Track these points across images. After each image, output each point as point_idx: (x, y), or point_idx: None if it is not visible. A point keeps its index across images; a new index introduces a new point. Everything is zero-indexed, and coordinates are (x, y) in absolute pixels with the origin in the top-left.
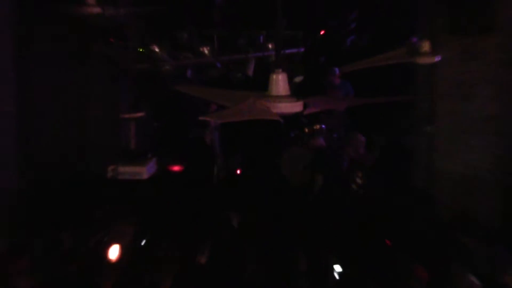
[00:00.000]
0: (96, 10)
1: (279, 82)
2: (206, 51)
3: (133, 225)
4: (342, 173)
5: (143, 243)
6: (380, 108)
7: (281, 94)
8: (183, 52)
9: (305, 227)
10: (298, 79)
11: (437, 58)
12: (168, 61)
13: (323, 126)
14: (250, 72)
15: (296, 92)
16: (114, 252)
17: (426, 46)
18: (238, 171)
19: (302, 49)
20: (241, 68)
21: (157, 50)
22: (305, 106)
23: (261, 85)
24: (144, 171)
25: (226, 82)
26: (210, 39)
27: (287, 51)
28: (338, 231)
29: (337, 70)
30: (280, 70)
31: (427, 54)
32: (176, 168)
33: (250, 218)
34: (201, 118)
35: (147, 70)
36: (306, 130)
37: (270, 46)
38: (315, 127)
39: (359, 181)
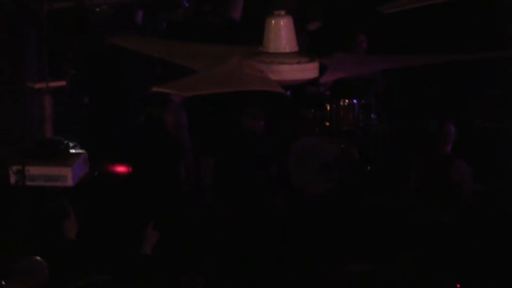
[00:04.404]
0: None
1: (281, 31)
2: None
3: (46, 266)
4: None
5: None
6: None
7: (284, 51)
8: None
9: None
10: (313, 26)
11: None
12: None
13: (355, 101)
14: (236, 14)
15: (309, 47)
16: None
17: None
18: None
19: None
20: (222, 8)
21: None
22: (323, 70)
23: (253, 35)
24: (70, 174)
25: (197, 31)
26: None
27: None
28: None
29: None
30: (283, 11)
31: None
32: (119, 168)
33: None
34: (156, 89)
35: (70, 12)
36: (328, 107)
37: None
38: (342, 103)
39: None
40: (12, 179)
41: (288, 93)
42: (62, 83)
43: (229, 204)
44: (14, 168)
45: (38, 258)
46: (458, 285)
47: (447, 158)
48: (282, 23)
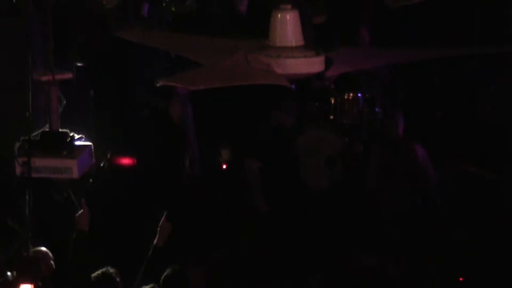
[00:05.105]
0: None
1: (287, 25)
2: None
3: (51, 257)
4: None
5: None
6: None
7: (290, 45)
8: None
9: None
10: (318, 19)
11: None
12: None
13: (360, 94)
14: (242, 7)
15: (315, 41)
16: None
17: None
18: (224, 166)
19: None
20: (228, 1)
21: None
22: (329, 64)
23: (259, 28)
24: (75, 166)
25: (203, 24)
26: None
27: None
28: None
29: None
30: (289, 5)
31: None
32: (125, 160)
33: (242, 249)
34: (162, 82)
35: (76, 4)
36: (333, 101)
37: None
38: (346, 97)
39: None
40: (18, 170)
41: (293, 87)
42: (69, 75)
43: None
44: (20, 160)
45: (44, 249)
46: (460, 278)
47: (403, 143)
48: (288, 17)
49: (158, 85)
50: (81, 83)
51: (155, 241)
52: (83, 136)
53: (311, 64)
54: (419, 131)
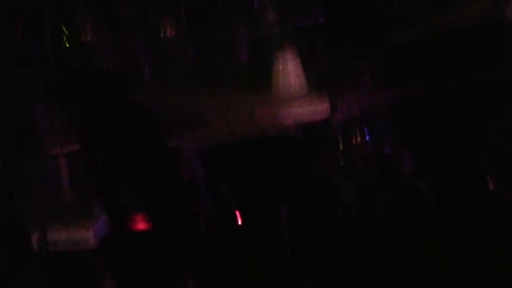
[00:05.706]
0: None
1: (289, 71)
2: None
3: None
4: None
5: None
6: None
7: (294, 93)
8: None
9: None
10: (318, 63)
11: None
12: (113, 53)
13: (368, 138)
14: (242, 54)
15: (317, 83)
16: None
17: None
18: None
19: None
20: (228, 54)
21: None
22: (335, 109)
23: (259, 78)
24: (91, 236)
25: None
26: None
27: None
28: None
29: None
30: (290, 54)
31: None
32: (140, 225)
33: None
34: (173, 144)
35: (81, 71)
36: (341, 147)
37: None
38: (355, 142)
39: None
40: (35, 246)
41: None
42: (75, 147)
43: None
44: (36, 235)
45: None
46: None
47: None
48: (289, 58)
49: (171, 145)
50: (88, 152)
51: None
52: (96, 203)
53: (317, 111)
54: None
